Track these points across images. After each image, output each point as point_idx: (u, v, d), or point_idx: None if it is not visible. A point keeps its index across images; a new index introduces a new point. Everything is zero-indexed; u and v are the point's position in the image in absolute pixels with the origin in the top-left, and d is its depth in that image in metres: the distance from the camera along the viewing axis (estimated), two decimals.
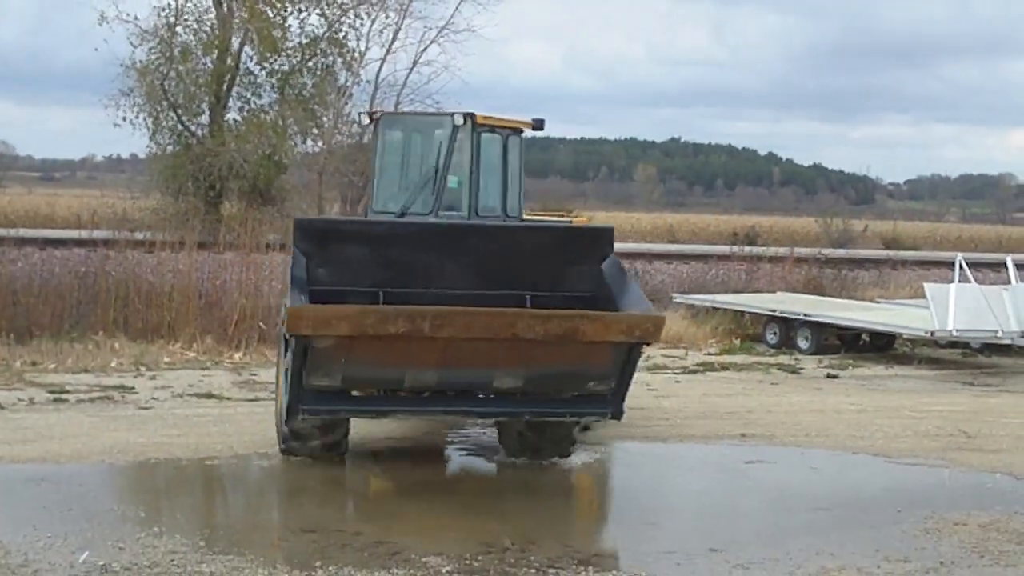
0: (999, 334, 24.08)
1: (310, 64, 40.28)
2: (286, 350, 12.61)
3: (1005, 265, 27.05)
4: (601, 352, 12.02)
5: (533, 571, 10.36)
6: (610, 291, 12.97)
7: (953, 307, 24.18)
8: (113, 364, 20.53)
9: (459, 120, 16.45)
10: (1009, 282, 25.99)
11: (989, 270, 34.99)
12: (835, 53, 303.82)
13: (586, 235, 14.30)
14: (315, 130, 40.46)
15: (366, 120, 18.14)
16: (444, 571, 10.27)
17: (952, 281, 25.80)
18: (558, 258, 13.36)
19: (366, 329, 11.37)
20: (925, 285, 26.13)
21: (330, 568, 10.28)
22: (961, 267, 25.86)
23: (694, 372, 22.81)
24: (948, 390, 22.05)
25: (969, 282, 25.56)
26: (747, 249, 37.98)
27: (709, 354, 25.26)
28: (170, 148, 39.46)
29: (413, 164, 17.51)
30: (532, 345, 11.72)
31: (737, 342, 26.63)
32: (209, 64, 39.39)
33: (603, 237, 13.70)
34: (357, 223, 15.32)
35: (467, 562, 10.51)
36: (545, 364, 12.06)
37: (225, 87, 39.49)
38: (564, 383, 12.53)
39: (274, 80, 39.99)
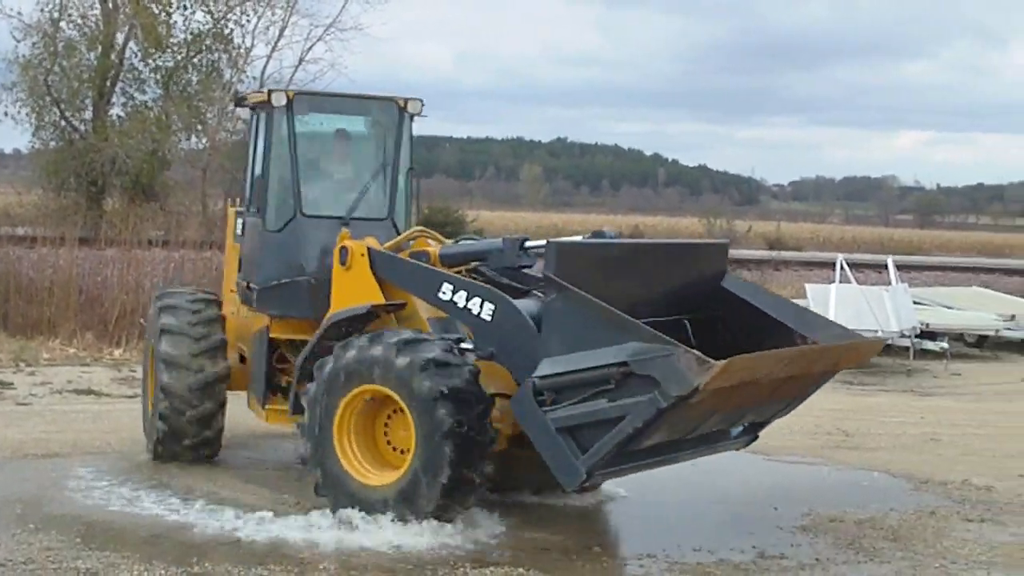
0: (879, 334, 24.02)
1: (195, 60, 39.99)
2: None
3: (886, 266, 27.66)
4: (820, 380, 11.92)
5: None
6: (745, 311, 12.12)
7: (834, 307, 24.62)
8: None
9: (403, 104, 13.72)
10: (889, 283, 26.57)
11: (871, 271, 35.55)
12: (723, 55, 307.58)
13: (707, 251, 13.20)
14: (199, 127, 40.14)
15: (236, 108, 16.08)
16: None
17: (833, 281, 26.35)
18: (687, 276, 12.37)
19: (754, 375, 10.41)
20: (806, 285, 27.05)
21: (206, 565, 10.21)
22: (842, 268, 26.44)
23: None
24: (827, 389, 21.59)
25: (850, 282, 26.14)
26: None
27: None
28: (53, 144, 39.00)
29: (346, 157, 14.46)
30: (805, 379, 11.49)
31: None
32: (93, 59, 38.98)
33: (720, 252, 12.96)
34: (613, 247, 12.22)
35: None
36: (784, 397, 11.80)
37: (109, 83, 39.11)
38: (775, 414, 12.26)
39: (158, 76, 39.66)
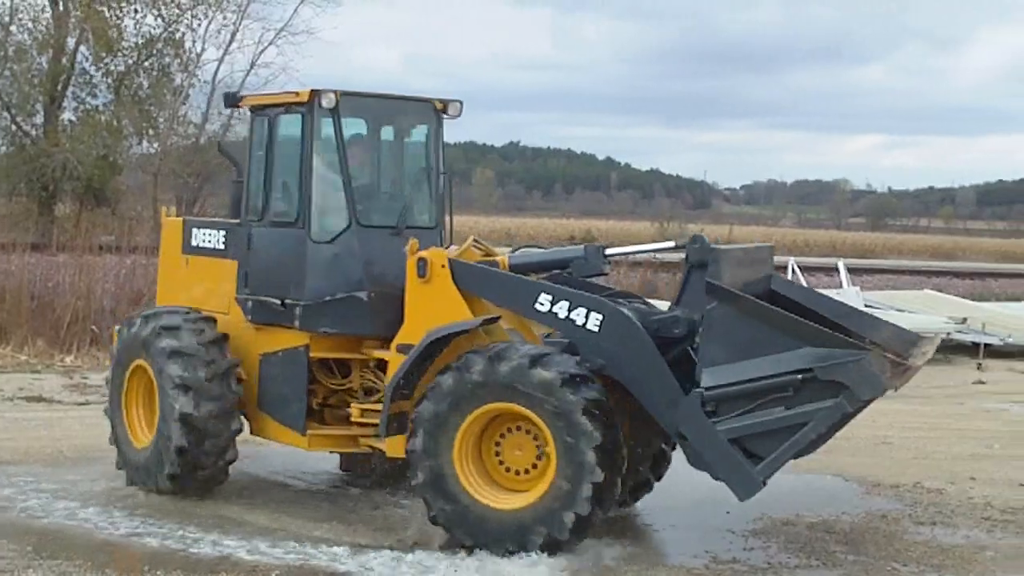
0: None
1: (146, 65, 39.94)
2: None
3: (837, 269, 27.93)
4: None
5: None
6: (802, 312, 11.64)
7: None
8: None
9: (442, 106, 13.26)
10: (841, 286, 26.83)
11: (823, 274, 35.53)
12: (675, 59, 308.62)
13: (758, 253, 12.92)
14: (150, 131, 40.04)
15: (229, 108, 14.38)
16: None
17: None
18: (749, 278, 12.07)
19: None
20: None
21: (158, 573, 10.22)
22: (794, 271, 26.40)
23: None
24: None
25: (802, 285, 25.68)
26: None
27: None
28: (4, 149, 38.88)
29: (387, 162, 13.71)
30: None
31: None
32: (44, 64, 38.83)
33: (768, 254, 12.92)
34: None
35: None
36: None
37: (60, 87, 39.01)
38: None
39: (110, 80, 39.57)
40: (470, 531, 11.00)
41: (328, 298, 12.27)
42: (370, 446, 12.33)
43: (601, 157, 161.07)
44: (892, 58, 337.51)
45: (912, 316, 29.16)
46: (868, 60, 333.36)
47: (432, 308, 11.82)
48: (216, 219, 13.90)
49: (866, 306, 27.42)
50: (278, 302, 12.52)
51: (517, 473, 11.16)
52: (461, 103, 13.14)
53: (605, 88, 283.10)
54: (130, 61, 39.30)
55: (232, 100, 13.52)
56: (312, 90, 12.25)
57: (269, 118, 12.82)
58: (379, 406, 11.96)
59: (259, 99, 13.15)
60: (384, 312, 12.14)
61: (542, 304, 11.55)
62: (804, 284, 24.78)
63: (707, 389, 10.44)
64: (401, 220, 12.75)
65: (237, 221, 13.12)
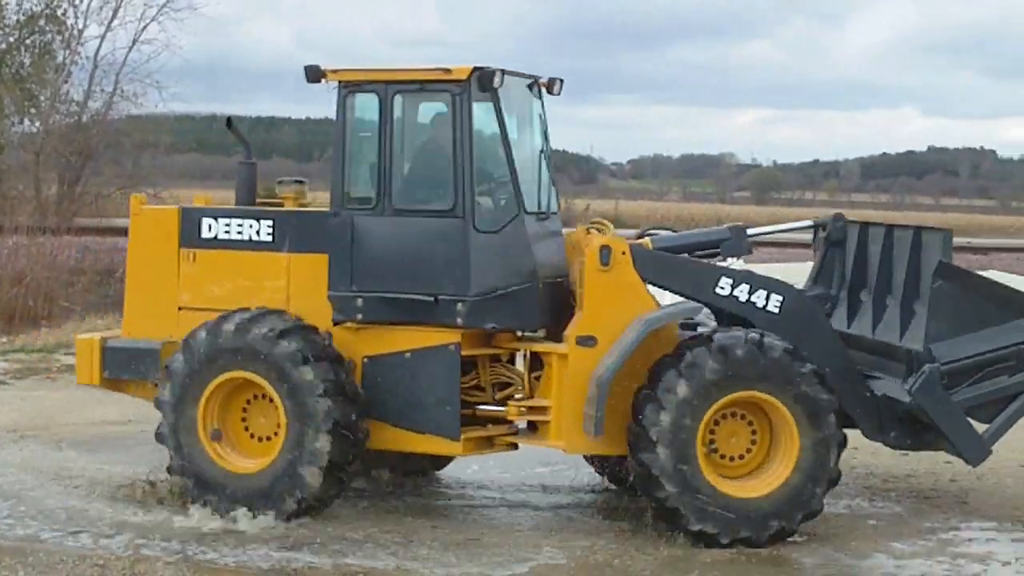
0: None
1: (28, 42, 39.42)
2: None
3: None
4: None
5: None
6: None
7: None
8: None
9: (548, 85, 12.94)
10: (725, 259, 26.21)
11: None
12: (562, 35, 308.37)
13: None
14: (32, 110, 39.59)
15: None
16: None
17: None
18: None
19: None
20: None
21: None
22: None
23: None
24: None
25: None
26: None
27: None
28: None
29: (523, 146, 12.76)
30: None
31: None
32: None
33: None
34: None
35: None
36: None
37: None
38: None
39: None
40: (725, 523, 11.37)
41: (500, 291, 11.75)
42: (511, 444, 12.24)
43: None
44: (777, 33, 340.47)
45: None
46: (754, 35, 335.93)
47: (614, 297, 11.66)
48: (248, 207, 12.73)
49: None
50: (430, 298, 11.79)
51: (731, 460, 11.57)
52: (561, 81, 12.76)
53: (492, 64, 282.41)
54: (11, 39, 38.78)
55: (315, 74, 12.18)
56: (475, 68, 11.68)
57: (380, 96, 11.97)
58: (535, 402, 11.88)
59: (366, 75, 12.10)
60: (546, 303, 11.94)
61: (722, 288, 11.90)
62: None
63: (944, 363, 11.23)
64: (548, 205, 12.42)
65: (325, 210, 12.21)
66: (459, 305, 11.67)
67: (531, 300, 11.80)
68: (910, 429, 11.89)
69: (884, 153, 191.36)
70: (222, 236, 12.33)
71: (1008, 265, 46.24)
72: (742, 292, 11.86)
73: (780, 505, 11.28)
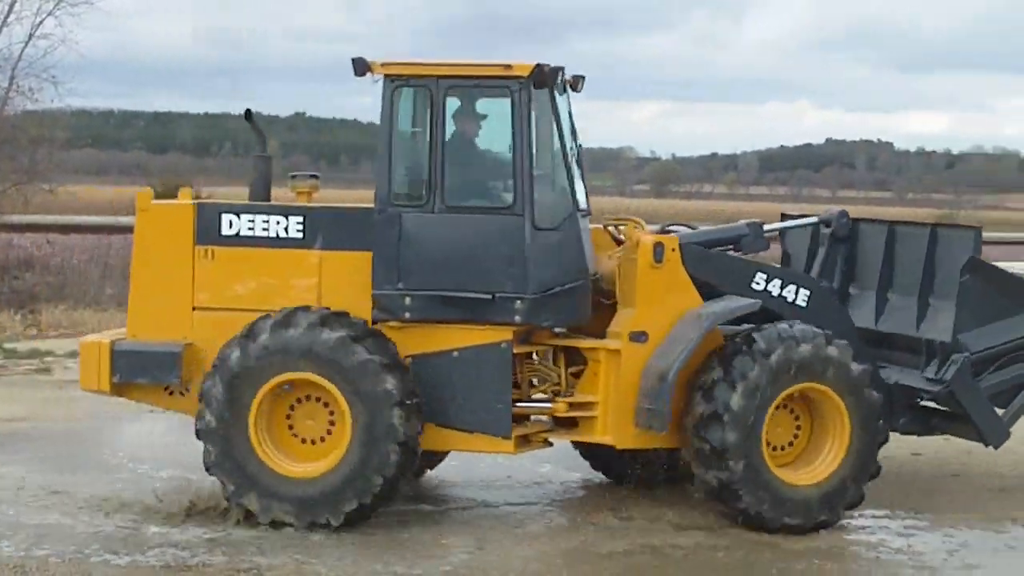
0: None
1: None
2: None
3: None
4: None
5: None
6: None
7: None
8: None
9: (572, 82, 12.82)
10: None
11: None
12: (463, 29, 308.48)
13: None
14: None
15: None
16: None
17: None
18: None
19: None
20: None
21: None
22: None
23: None
24: None
25: None
26: None
27: None
28: None
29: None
30: None
31: None
32: None
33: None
34: None
35: None
36: None
37: None
38: None
39: None
40: (781, 513, 11.87)
41: (557, 288, 11.80)
42: (545, 440, 12.37)
43: None
44: (678, 26, 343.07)
45: None
46: (654, 28, 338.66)
47: (666, 292, 11.93)
48: (274, 203, 12.52)
49: None
50: (487, 296, 11.74)
51: (775, 449, 12.16)
52: (583, 78, 12.56)
53: (393, 58, 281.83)
54: None
55: (362, 67, 11.88)
56: (538, 65, 11.59)
57: (432, 91, 11.82)
58: (580, 398, 12.11)
59: (417, 69, 11.97)
60: (591, 299, 12.23)
61: (758, 283, 12.34)
62: None
63: (972, 353, 12.15)
64: (586, 203, 12.40)
65: (367, 206, 12.05)
66: (517, 303, 11.67)
67: (584, 297, 12.02)
68: (920, 416, 12.83)
69: (782, 146, 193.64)
70: (245, 233, 12.02)
71: None
72: (775, 287, 12.38)
73: (828, 495, 11.90)
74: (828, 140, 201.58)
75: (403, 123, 12.01)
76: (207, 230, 11.98)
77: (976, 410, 12.29)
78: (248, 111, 13.00)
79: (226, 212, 12.02)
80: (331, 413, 11.63)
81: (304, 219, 11.94)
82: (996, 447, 12.69)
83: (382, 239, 11.71)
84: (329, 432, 11.66)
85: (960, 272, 12.06)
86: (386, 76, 11.78)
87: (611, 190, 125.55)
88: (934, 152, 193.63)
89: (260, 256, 11.96)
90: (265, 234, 11.97)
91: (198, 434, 11.62)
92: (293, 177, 12.57)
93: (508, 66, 11.58)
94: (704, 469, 11.72)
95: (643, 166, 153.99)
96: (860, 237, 13.63)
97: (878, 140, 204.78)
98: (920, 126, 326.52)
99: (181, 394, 12.02)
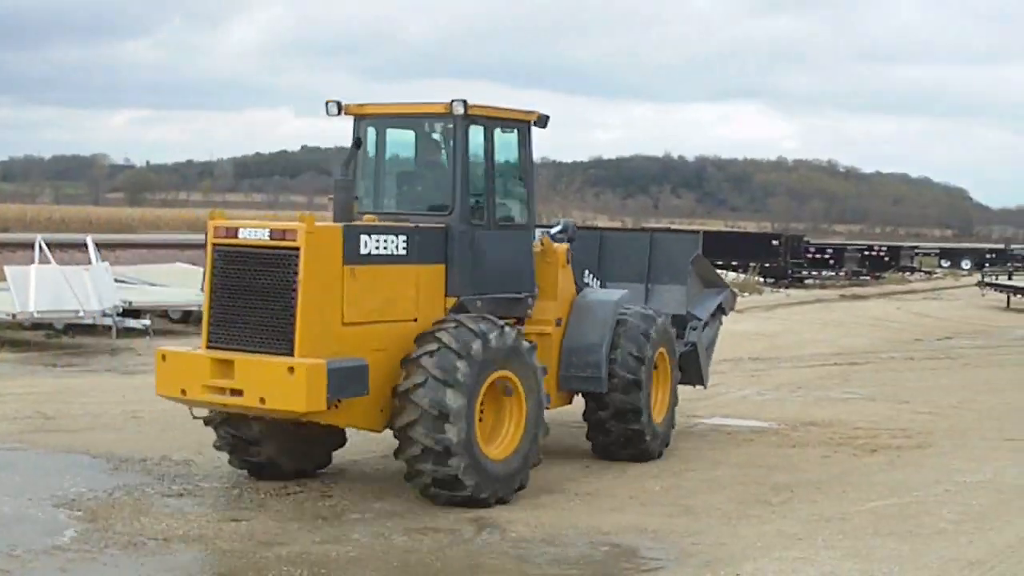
0: (80, 313, 25.10)
1: None
2: None
3: (85, 245, 28.50)
4: None
5: None
6: None
7: (34, 288, 24.67)
8: None
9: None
10: (91, 262, 27.02)
11: (76, 251, 34.04)
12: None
13: None
14: None
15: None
16: None
17: (33, 263, 25.99)
18: None
19: None
20: (6, 268, 26.28)
21: None
22: (41, 248, 26.52)
23: None
24: (29, 372, 22.88)
25: (49, 263, 26.36)
26: None
27: None
28: None
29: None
30: None
31: None
32: None
33: None
34: None
35: None
36: None
37: None
38: None
39: None
40: None
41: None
42: None
43: None
44: (158, 32, 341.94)
45: (164, 290, 30.58)
46: (134, 34, 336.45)
47: (567, 286, 16.16)
48: (388, 223, 13.81)
49: (117, 281, 27.93)
50: (521, 296, 15.08)
51: None
52: (548, 117, 15.58)
53: None
54: None
55: (464, 107, 14.04)
56: (541, 113, 15.21)
57: (486, 128, 14.61)
58: None
59: (485, 111, 14.51)
60: None
61: (587, 280, 17.11)
62: (53, 262, 26.52)
63: (699, 320, 18.39)
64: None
65: (441, 224, 14.08)
66: (529, 300, 15.25)
67: None
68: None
69: (258, 153, 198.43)
70: (374, 252, 13.25)
71: None
72: (591, 280, 17.39)
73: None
74: (304, 147, 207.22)
75: (471, 155, 14.38)
76: (351, 251, 13.03)
77: (704, 361, 18.17)
78: (358, 139, 14.76)
79: (363, 233, 13.21)
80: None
81: (408, 238, 13.67)
82: (706, 387, 18.98)
83: (459, 252, 14.14)
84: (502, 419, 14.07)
85: (690, 264, 18.13)
86: (463, 115, 14.11)
87: (84, 198, 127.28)
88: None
89: (384, 272, 13.41)
90: (386, 252, 13.40)
91: (436, 416, 13.03)
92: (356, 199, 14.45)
93: (527, 112, 15.15)
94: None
95: (117, 174, 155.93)
96: (616, 243, 18.72)
97: None
98: None
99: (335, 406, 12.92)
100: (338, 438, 14.77)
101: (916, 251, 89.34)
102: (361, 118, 14.83)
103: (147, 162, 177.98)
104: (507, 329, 13.72)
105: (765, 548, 12.15)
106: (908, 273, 75.33)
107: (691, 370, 17.93)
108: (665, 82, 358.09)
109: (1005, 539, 12.78)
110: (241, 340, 12.90)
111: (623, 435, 16.03)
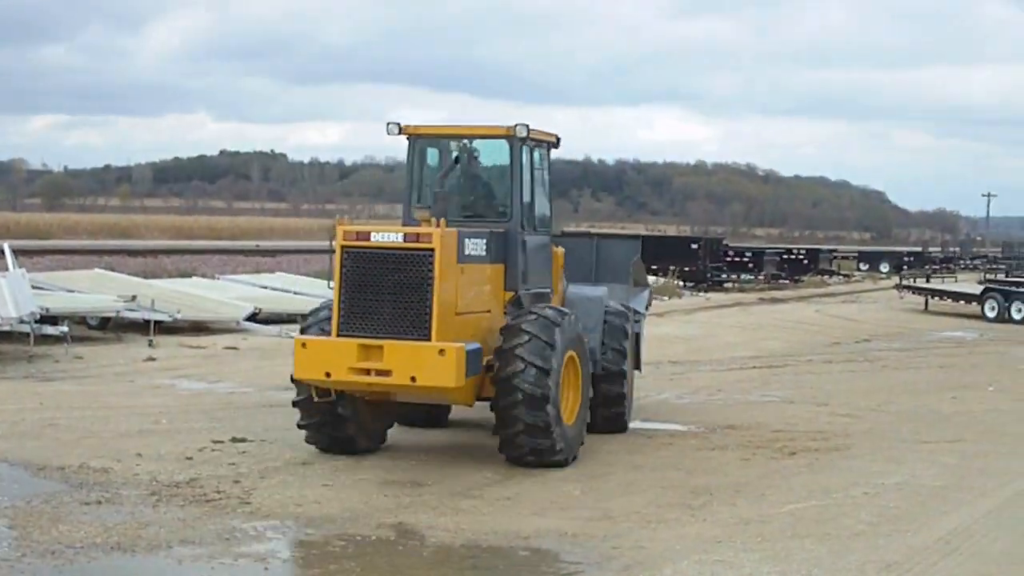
0: None
1: None
2: None
3: (1, 251, 27.98)
4: None
5: None
6: None
7: None
8: None
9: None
10: (7, 268, 26.70)
11: None
12: None
13: None
14: None
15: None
16: None
17: None
18: None
19: None
20: None
21: None
22: None
23: None
24: None
25: None
26: None
27: None
28: None
29: None
30: None
31: None
32: None
33: None
34: None
35: None
36: None
37: None
38: None
39: None
40: None
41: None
42: None
43: None
44: (75, 36, 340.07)
45: (82, 296, 29.86)
46: (54, 38, 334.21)
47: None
48: (477, 228, 16.46)
49: (34, 288, 27.52)
50: (547, 291, 17.67)
51: None
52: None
53: None
54: None
55: (525, 131, 16.69)
56: (557, 136, 17.99)
57: (532, 148, 17.42)
58: None
59: (535, 134, 17.18)
60: None
61: None
62: None
63: (638, 312, 20.40)
64: None
65: (502, 230, 16.75)
66: (550, 294, 17.98)
67: None
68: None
69: (176, 157, 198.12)
70: (472, 253, 15.96)
71: (296, 266, 50.93)
72: None
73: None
74: (223, 152, 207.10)
75: (527, 172, 17.14)
76: (461, 251, 15.68)
77: (643, 349, 20.07)
78: (456, 158, 17.39)
79: (467, 237, 15.88)
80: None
81: (487, 241, 16.36)
82: (641, 372, 20.28)
83: (516, 253, 16.81)
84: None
85: (631, 265, 20.19)
86: (527, 138, 16.94)
87: (2, 204, 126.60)
88: (328, 163, 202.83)
89: (477, 270, 16.17)
90: (476, 253, 16.09)
91: (538, 398, 15.55)
92: (417, 208, 16.50)
93: (552, 134, 17.90)
94: None
95: (35, 179, 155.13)
96: (564, 246, 19.62)
97: (272, 151, 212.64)
98: (315, 137, 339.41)
99: None
100: (392, 420, 17.14)
101: (835, 254, 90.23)
102: (417, 138, 17.24)
103: (65, 167, 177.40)
104: (571, 317, 16.33)
105: (684, 551, 12.29)
106: (827, 276, 75.97)
107: (635, 358, 19.64)
108: (586, 85, 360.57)
109: (921, 540, 12.99)
110: (375, 329, 15.09)
111: (606, 418, 18.50)
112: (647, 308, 21.05)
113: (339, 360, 14.97)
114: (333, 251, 15.33)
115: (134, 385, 22.24)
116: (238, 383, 22.88)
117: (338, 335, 15.15)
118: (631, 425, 19.33)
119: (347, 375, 14.99)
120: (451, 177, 17.28)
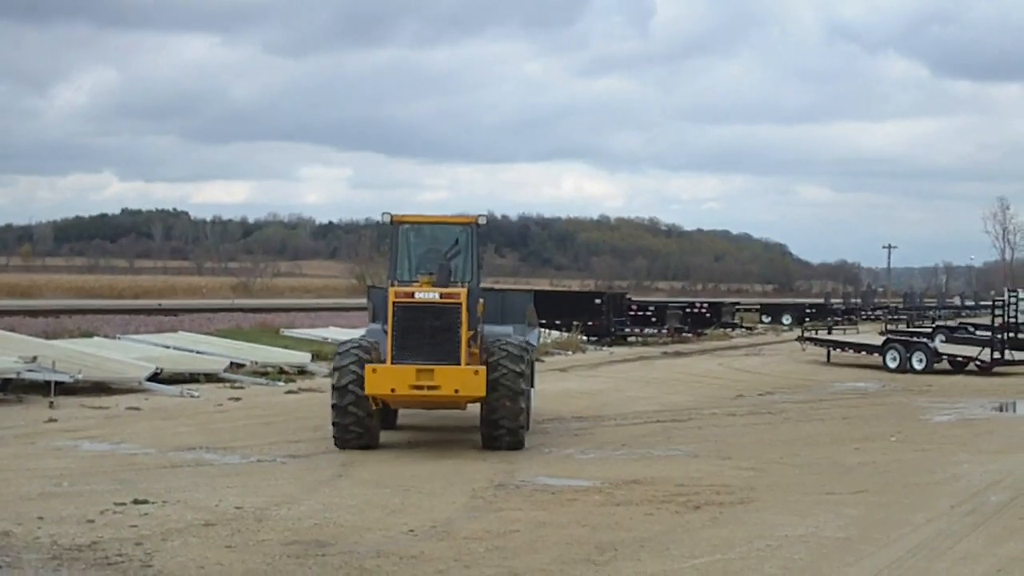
0: None
1: None
2: None
3: None
4: None
5: None
6: None
7: None
8: None
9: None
10: None
11: None
12: None
13: None
14: None
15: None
16: None
17: None
18: None
19: None
20: None
21: None
22: None
23: None
24: None
25: None
26: None
27: None
28: None
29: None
30: None
31: None
32: None
33: None
34: None
35: None
36: None
37: None
38: None
39: None
40: None
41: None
42: None
43: None
44: None
45: None
46: None
47: None
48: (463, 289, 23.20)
49: None
50: None
51: None
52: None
53: None
54: None
55: (485, 220, 25.14)
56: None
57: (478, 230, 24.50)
58: None
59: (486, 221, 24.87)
60: None
61: None
62: None
63: (532, 345, 25.43)
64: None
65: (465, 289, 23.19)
66: None
67: None
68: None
69: (78, 216, 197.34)
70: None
71: (199, 325, 50.88)
72: None
73: None
74: (124, 210, 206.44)
75: (478, 248, 24.60)
76: (466, 304, 22.45)
77: (535, 376, 25.38)
78: (457, 240, 24.13)
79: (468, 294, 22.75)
80: None
81: (468, 296, 22.57)
82: (536, 389, 25.63)
83: (475, 305, 23.25)
84: None
85: (526, 311, 25.65)
86: (482, 225, 24.41)
87: None
88: (231, 220, 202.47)
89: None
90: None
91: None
92: (423, 273, 23.38)
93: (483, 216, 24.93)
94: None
95: None
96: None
97: (174, 209, 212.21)
98: (220, 195, 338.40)
99: None
100: (385, 426, 24.21)
101: (737, 307, 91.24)
102: (402, 223, 23.98)
103: None
104: (532, 340, 25.11)
105: None
106: (729, 329, 76.89)
107: (531, 379, 23.95)
108: (491, 143, 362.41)
109: None
110: (418, 358, 21.66)
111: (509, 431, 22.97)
112: (538, 341, 29.54)
113: (402, 380, 21.47)
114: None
115: (35, 447, 22.12)
116: (140, 444, 22.71)
117: (392, 363, 21.59)
118: (536, 480, 19.39)
119: (408, 390, 21.53)
120: (430, 252, 23.86)
